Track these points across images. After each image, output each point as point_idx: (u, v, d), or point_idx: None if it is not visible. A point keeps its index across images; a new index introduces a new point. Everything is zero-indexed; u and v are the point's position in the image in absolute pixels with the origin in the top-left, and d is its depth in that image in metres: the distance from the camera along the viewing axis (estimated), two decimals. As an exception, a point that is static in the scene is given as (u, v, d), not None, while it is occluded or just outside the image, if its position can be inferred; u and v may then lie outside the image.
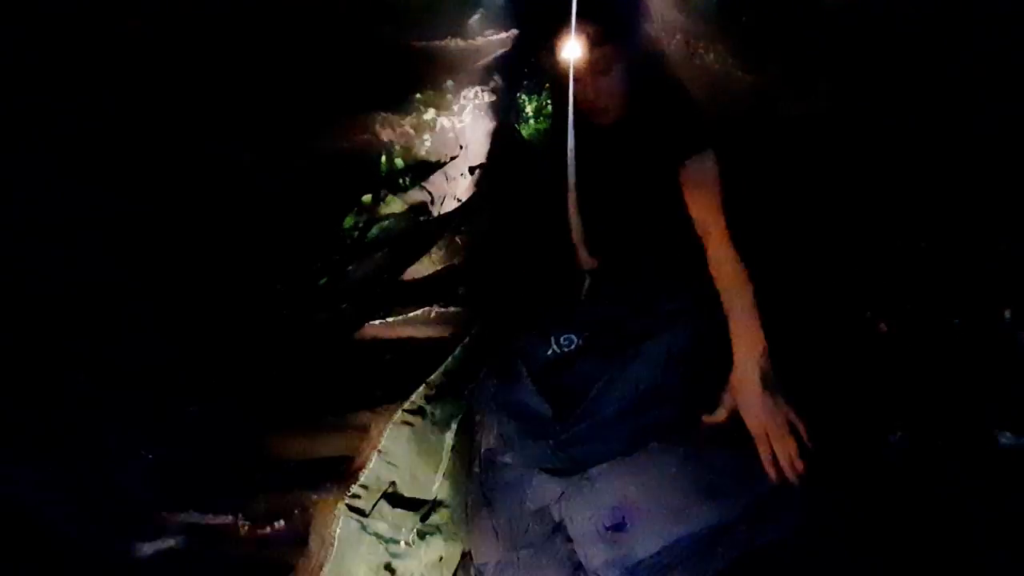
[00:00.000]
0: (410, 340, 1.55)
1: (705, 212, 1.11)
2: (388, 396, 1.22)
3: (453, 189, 2.44)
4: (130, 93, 0.86)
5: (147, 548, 0.86)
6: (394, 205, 2.36)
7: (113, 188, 0.83)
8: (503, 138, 2.28)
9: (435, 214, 2.29)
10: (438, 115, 2.28)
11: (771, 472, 0.96)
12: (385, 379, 1.28)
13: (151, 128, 0.89)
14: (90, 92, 0.82)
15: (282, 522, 1.06)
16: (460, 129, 2.42)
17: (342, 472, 1.13)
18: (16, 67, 0.74)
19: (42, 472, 0.71)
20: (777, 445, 0.96)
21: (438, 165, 2.49)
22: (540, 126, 2.27)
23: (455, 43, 2.16)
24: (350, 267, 1.68)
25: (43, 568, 0.70)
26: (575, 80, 1.12)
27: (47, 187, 0.75)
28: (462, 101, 2.26)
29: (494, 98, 2.25)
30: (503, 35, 2.25)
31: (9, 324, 0.68)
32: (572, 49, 1.08)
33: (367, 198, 2.25)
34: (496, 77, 2.23)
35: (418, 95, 2.09)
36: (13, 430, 0.69)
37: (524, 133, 2.29)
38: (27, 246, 0.70)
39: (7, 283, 0.68)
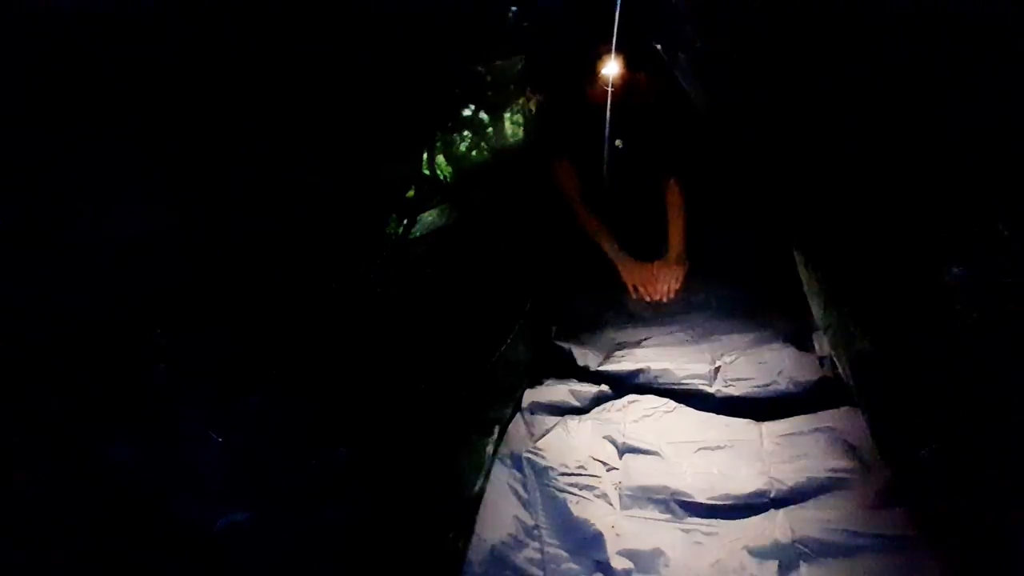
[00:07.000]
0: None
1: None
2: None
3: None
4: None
5: (221, 520, 0.97)
6: (435, 201, 2.43)
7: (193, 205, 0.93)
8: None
9: (476, 207, 2.36)
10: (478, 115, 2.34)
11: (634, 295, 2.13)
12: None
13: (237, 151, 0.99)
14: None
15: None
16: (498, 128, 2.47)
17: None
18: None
19: (142, 449, 0.82)
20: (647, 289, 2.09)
21: (478, 161, 2.54)
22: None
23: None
24: (396, 263, 1.76)
25: (147, 531, 0.81)
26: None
27: (138, 205, 0.85)
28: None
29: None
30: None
31: (110, 327, 0.79)
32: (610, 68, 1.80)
33: (411, 193, 2.32)
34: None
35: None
36: (118, 414, 0.80)
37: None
38: (122, 259, 0.81)
39: (108, 292, 0.79)
